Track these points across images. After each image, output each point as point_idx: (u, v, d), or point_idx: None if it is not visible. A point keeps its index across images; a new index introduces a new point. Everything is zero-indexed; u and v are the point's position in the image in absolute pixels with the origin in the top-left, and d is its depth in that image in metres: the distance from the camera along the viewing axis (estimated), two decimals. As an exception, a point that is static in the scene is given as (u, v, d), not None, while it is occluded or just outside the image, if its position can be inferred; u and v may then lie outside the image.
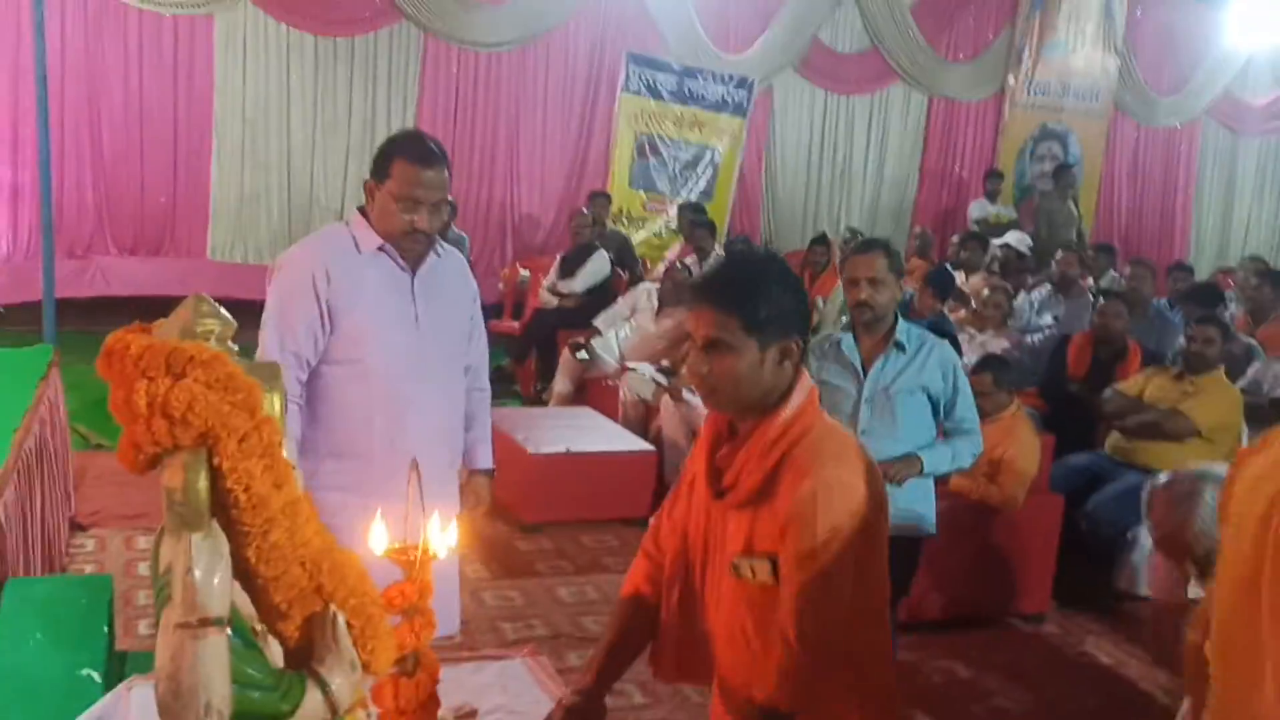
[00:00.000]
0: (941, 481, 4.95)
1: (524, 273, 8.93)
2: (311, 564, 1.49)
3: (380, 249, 2.88)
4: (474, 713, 2.29)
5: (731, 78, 10.50)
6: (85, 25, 8.57)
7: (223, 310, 1.56)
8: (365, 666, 1.59)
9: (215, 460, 1.38)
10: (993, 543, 5.01)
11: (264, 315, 2.94)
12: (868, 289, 3.52)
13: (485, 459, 3.19)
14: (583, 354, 7.10)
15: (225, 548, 1.41)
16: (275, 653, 1.55)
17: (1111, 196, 12.63)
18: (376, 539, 2.09)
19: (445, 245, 3.08)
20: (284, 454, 1.53)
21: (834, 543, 1.88)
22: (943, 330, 5.90)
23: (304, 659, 1.55)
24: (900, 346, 3.55)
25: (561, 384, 7.20)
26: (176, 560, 1.39)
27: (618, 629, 2.19)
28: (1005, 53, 11.85)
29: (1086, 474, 5.55)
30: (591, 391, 7.14)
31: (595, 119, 10.28)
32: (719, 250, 8.17)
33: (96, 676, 2.65)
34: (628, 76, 10.04)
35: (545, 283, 8.27)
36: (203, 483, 1.37)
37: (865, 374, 3.56)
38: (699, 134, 10.43)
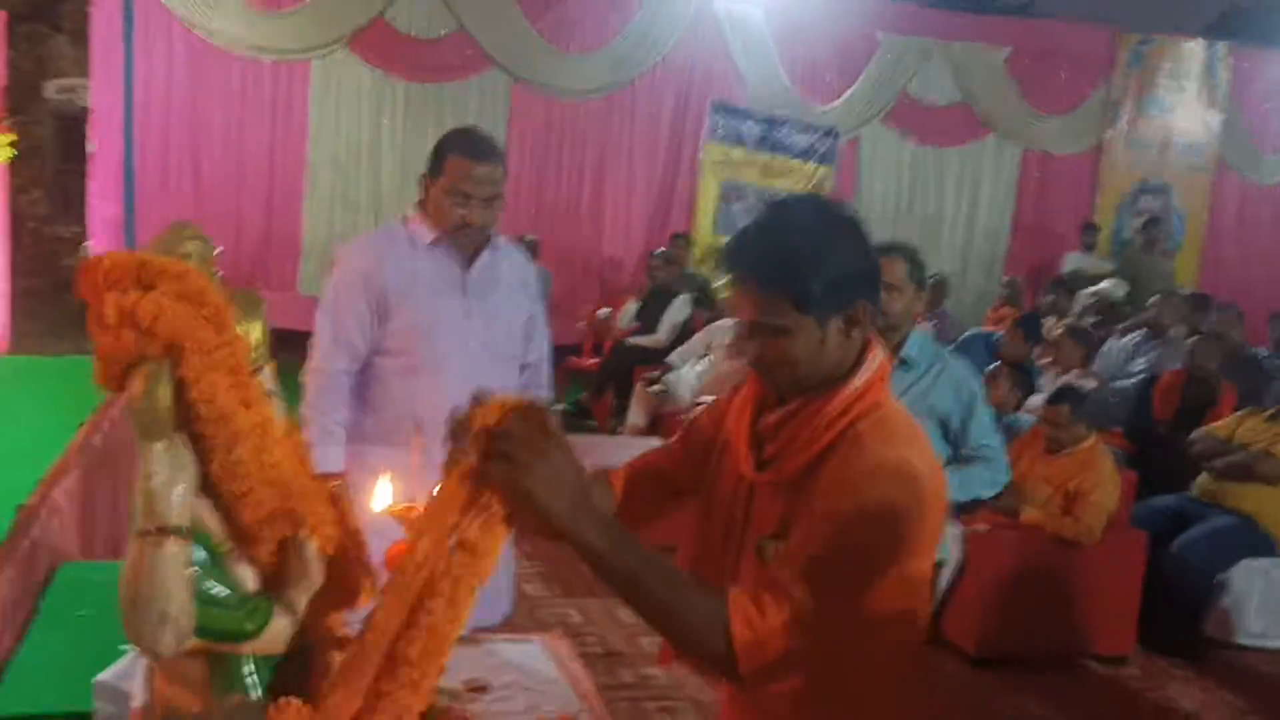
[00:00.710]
0: (1014, 513, 4.79)
1: (604, 311, 8.98)
2: (281, 486, 1.47)
3: (434, 243, 2.92)
4: (485, 687, 2.24)
5: (817, 128, 10.48)
6: (189, 70, 8.93)
7: (206, 236, 1.57)
8: (339, 598, 1.56)
9: (180, 372, 1.38)
10: (1072, 579, 4.81)
11: (320, 304, 3.01)
12: (883, 294, 3.30)
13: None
14: (657, 386, 7.09)
15: (188, 460, 1.40)
16: (248, 580, 1.53)
17: (1218, 254, 12.22)
18: (380, 497, 2.06)
19: (506, 243, 3.10)
20: (262, 381, 1.53)
21: (883, 524, 1.55)
22: (1025, 371, 5.76)
23: (277, 585, 1.52)
24: (907, 363, 3.18)
25: (635, 416, 7.19)
26: (139, 470, 1.39)
27: (623, 490, 1.86)
28: (1101, 107, 11.64)
29: (1173, 515, 5.31)
30: (666, 425, 7.08)
31: (680, 165, 10.34)
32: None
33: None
34: (712, 125, 10.08)
35: (621, 318, 8.37)
36: (163, 390, 1.36)
37: None
38: (785, 181, 10.39)
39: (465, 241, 2.93)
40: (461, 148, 2.88)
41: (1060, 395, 4.95)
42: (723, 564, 1.75)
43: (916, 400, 3.14)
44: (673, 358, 7.40)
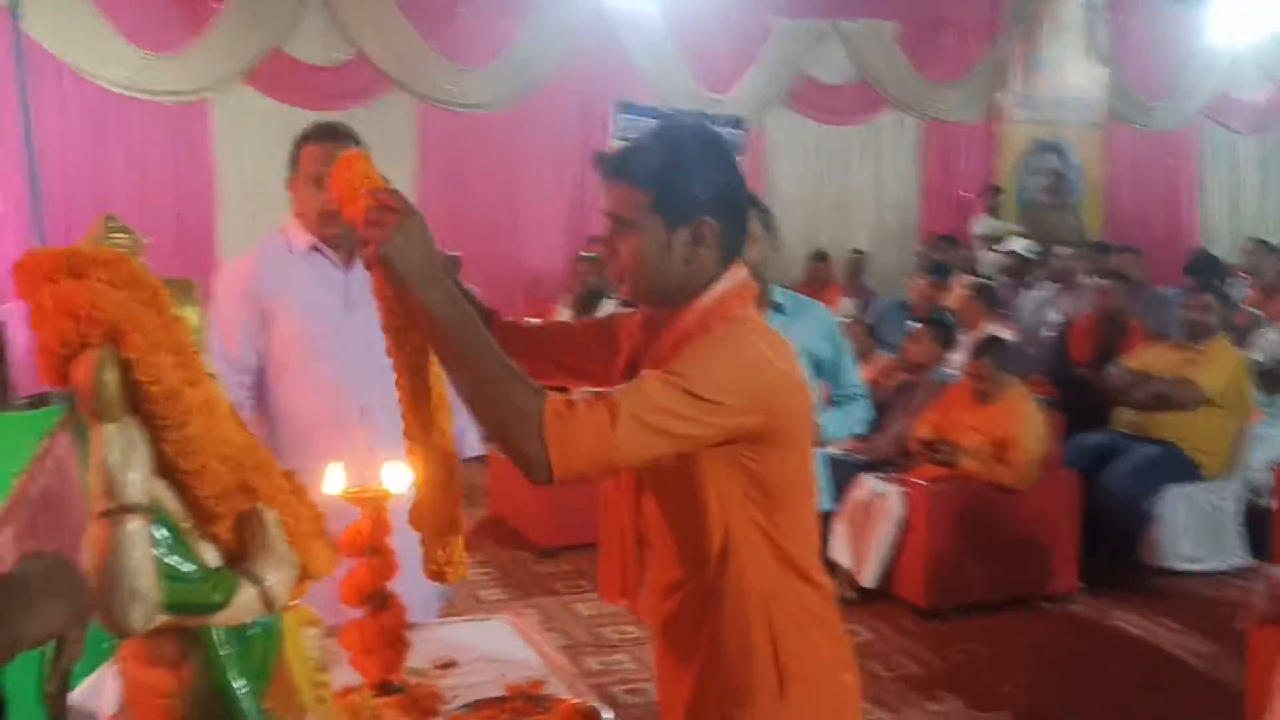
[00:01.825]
0: (951, 465, 4.93)
1: (533, 321, 8.98)
2: (234, 461, 1.50)
3: (314, 248, 2.84)
4: (453, 663, 2.28)
5: (723, 119, 10.61)
6: (87, 119, 8.79)
7: (132, 229, 1.61)
8: (303, 568, 1.60)
9: (124, 354, 1.41)
10: (1012, 524, 4.96)
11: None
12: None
13: (474, 446, 3.05)
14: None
15: (140, 438, 1.43)
16: (212, 558, 1.56)
17: (1119, 203, 12.60)
18: (331, 482, 2.11)
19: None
20: (204, 362, 1.57)
21: (712, 364, 1.62)
22: (945, 327, 5.92)
23: (241, 559, 1.56)
24: (778, 308, 3.29)
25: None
26: (94, 454, 1.42)
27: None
28: (991, 72, 11.94)
29: (1102, 451, 5.51)
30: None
31: (590, 169, 10.38)
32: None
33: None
34: (617, 124, 10.17)
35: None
36: (110, 374, 1.39)
37: None
38: (695, 174, 10.52)
39: (339, 240, 2.82)
40: (310, 135, 2.86)
41: (983, 348, 5.10)
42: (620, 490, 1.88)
43: (793, 340, 3.20)
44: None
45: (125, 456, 1.41)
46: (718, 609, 1.74)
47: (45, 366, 1.43)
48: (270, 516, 1.54)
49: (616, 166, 1.75)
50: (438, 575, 1.81)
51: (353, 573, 2.07)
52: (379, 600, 2.09)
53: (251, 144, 9.30)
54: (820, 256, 9.05)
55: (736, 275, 1.76)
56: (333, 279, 2.86)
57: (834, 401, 3.43)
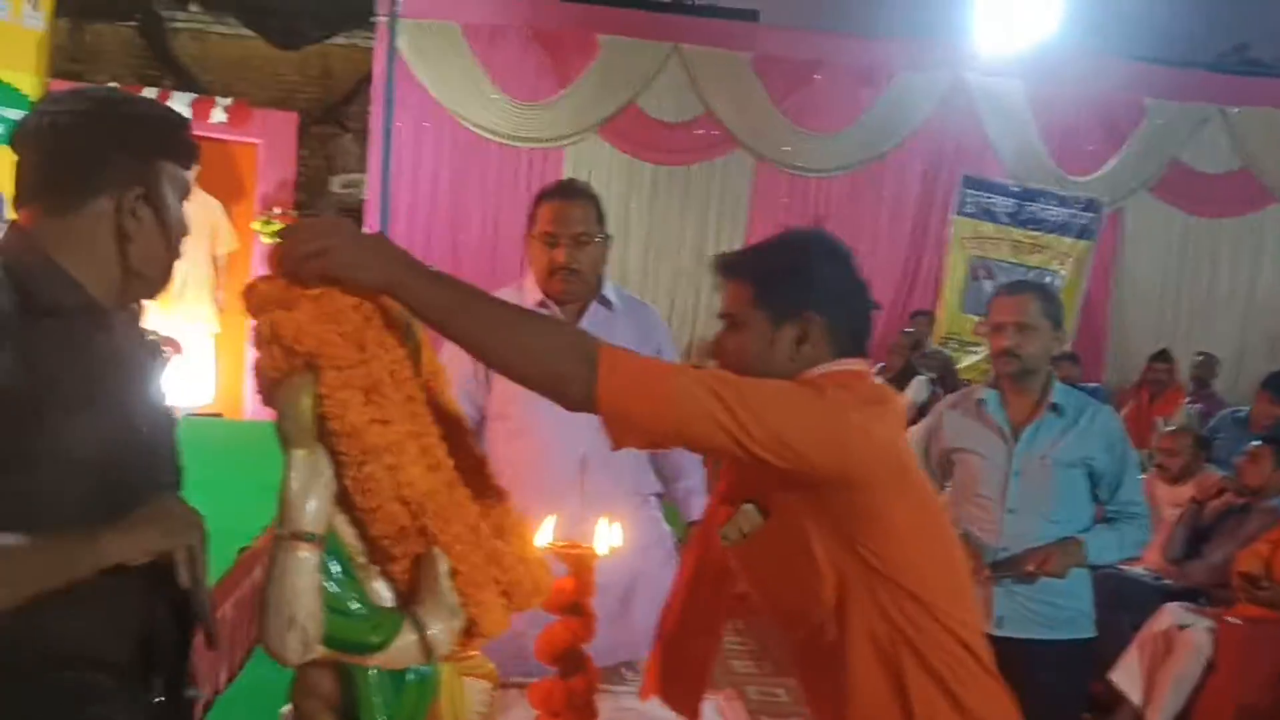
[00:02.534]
0: (1277, 607, 4.34)
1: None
2: (416, 505, 1.51)
3: (541, 304, 2.84)
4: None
5: (1078, 200, 10.05)
6: (452, 160, 9.51)
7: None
8: (473, 623, 1.58)
9: (317, 387, 1.46)
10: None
11: None
12: (1015, 335, 3.00)
13: (699, 510, 2.99)
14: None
15: (327, 468, 1.47)
16: (387, 596, 1.58)
17: None
18: (543, 534, 2.10)
19: (632, 300, 3.01)
20: (417, 394, 1.59)
21: (791, 393, 1.64)
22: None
23: (411, 602, 1.57)
24: (1057, 409, 3.04)
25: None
26: (283, 479, 1.48)
27: None
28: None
29: None
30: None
31: (926, 242, 10.11)
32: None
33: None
34: (962, 199, 9.85)
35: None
36: (305, 402, 1.44)
37: (1017, 440, 3.04)
38: (1039, 258, 10.00)
39: (565, 293, 2.81)
40: (547, 192, 2.89)
41: (1268, 438, 4.47)
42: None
43: (1070, 447, 3.00)
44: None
45: (306, 484, 1.45)
46: (841, 659, 1.68)
47: (259, 388, 1.51)
48: (443, 565, 1.54)
49: (728, 265, 1.81)
50: None
51: (550, 629, 2.05)
52: (572, 662, 2.05)
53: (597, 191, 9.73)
54: (1162, 355, 8.31)
55: (846, 365, 1.75)
56: None
57: (1106, 518, 3.09)
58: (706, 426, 1.56)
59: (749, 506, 1.71)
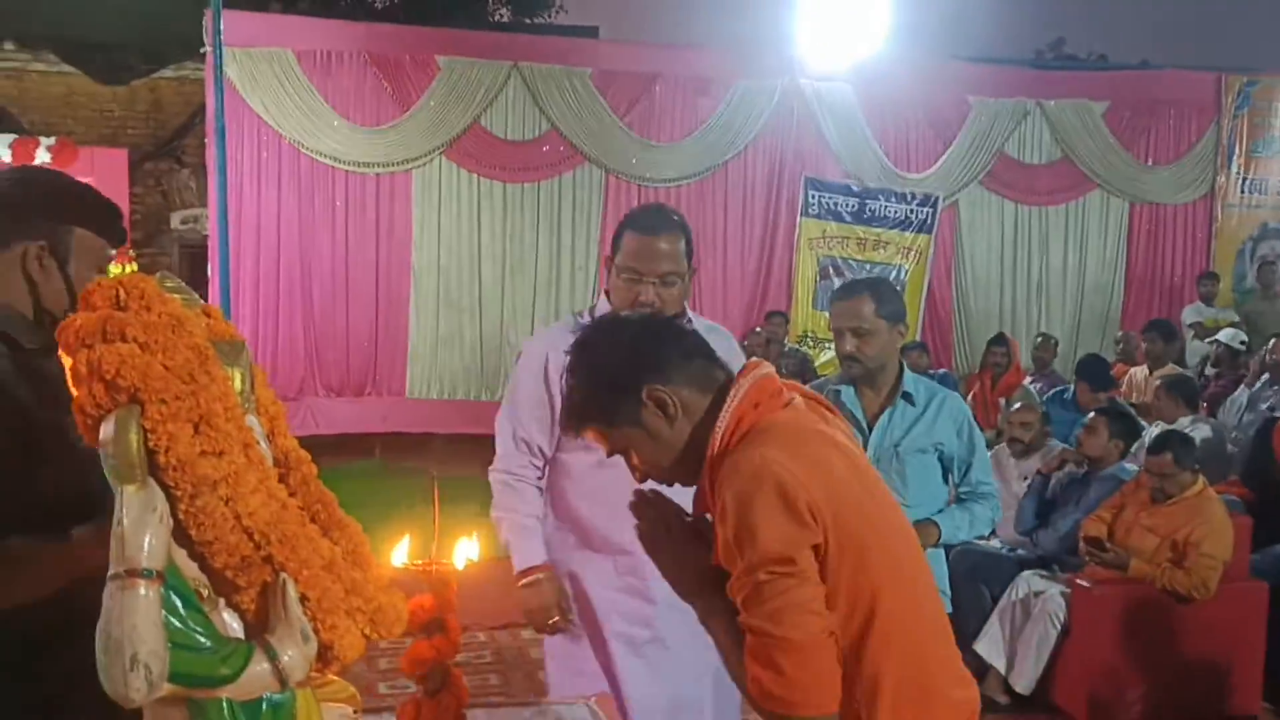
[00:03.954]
0: (1121, 568, 4.56)
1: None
2: (259, 534, 1.49)
3: None
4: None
5: (914, 196, 10.42)
6: (299, 188, 9.33)
7: (186, 286, 1.64)
8: (328, 647, 1.56)
9: (142, 420, 1.43)
10: (1187, 636, 4.53)
11: (502, 404, 2.90)
12: (852, 340, 3.04)
13: None
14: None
15: (160, 503, 1.43)
16: (235, 626, 1.55)
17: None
18: (397, 553, 2.08)
19: (708, 325, 2.84)
20: (248, 425, 1.57)
21: (744, 520, 1.64)
22: (1127, 419, 5.53)
23: (261, 631, 1.54)
24: (909, 398, 3.11)
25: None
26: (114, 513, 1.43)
27: None
28: (1211, 154, 11.29)
29: (1299, 564, 4.99)
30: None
31: (775, 244, 10.34)
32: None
33: None
34: (806, 201, 10.11)
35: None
36: (131, 436, 1.41)
37: (869, 430, 3.10)
38: (883, 254, 10.34)
39: None
40: (633, 222, 2.73)
41: (1163, 442, 4.73)
42: None
43: (921, 434, 3.09)
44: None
45: (139, 521, 1.41)
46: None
47: (82, 426, 1.47)
48: (292, 591, 1.52)
49: (570, 423, 1.88)
50: None
51: (415, 646, 2.04)
52: (437, 678, 2.04)
53: (446, 213, 9.67)
54: (999, 340, 8.67)
55: (737, 393, 1.77)
56: None
57: (959, 499, 3.19)
58: (818, 608, 1.68)
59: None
